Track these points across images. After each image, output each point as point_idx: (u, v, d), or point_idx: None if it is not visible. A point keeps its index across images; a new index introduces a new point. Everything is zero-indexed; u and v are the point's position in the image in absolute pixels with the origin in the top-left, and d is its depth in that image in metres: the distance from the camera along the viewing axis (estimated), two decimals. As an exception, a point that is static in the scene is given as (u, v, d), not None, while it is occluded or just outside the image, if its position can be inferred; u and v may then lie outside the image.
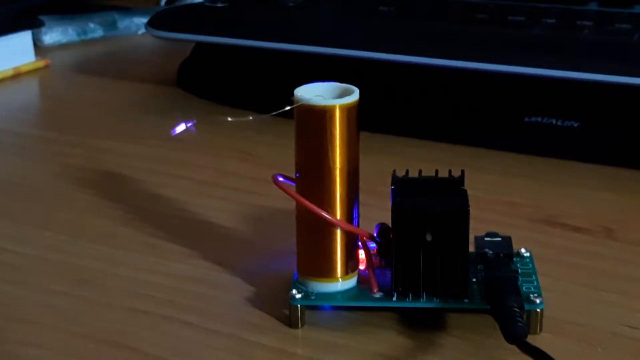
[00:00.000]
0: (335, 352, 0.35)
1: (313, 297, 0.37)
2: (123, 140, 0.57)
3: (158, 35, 0.63)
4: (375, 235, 0.37)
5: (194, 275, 0.40)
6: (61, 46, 0.79)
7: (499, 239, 0.38)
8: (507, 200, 0.47)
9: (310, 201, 0.36)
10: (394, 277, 0.36)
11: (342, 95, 0.36)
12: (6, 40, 0.70)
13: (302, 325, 0.36)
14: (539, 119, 0.53)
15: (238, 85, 0.62)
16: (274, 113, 0.36)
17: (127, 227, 0.45)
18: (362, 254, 0.37)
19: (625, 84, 0.49)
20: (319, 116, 0.35)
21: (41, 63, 0.73)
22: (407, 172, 0.38)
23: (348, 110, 0.36)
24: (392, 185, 0.36)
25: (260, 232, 0.44)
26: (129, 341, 0.36)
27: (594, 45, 0.52)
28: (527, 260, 0.38)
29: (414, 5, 0.60)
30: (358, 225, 0.37)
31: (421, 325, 0.36)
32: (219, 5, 0.62)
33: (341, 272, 0.37)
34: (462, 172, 0.37)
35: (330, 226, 0.36)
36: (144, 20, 0.75)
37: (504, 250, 0.37)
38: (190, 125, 0.39)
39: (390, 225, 0.36)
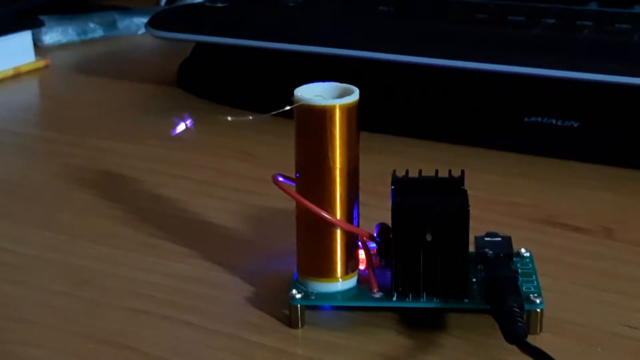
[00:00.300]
0: (335, 352, 0.35)
1: (313, 297, 0.37)
2: (123, 140, 0.57)
3: (158, 35, 0.63)
4: (375, 235, 0.37)
5: (194, 275, 0.40)
6: (61, 46, 0.79)
7: (499, 239, 0.38)
8: (507, 200, 0.47)
9: (310, 201, 0.36)
10: (394, 277, 0.36)
11: (342, 95, 0.36)
12: (6, 40, 0.70)
13: (302, 325, 0.36)
14: (539, 119, 0.53)
15: (238, 85, 0.62)
16: (274, 113, 0.36)
17: (127, 227, 0.45)
18: (362, 254, 0.37)
19: (625, 84, 0.49)
20: (319, 116, 0.35)
21: (41, 63, 0.73)
22: (407, 172, 0.38)
23: (348, 110, 0.36)
24: (392, 185, 0.36)
25: (260, 232, 0.44)
26: (129, 341, 0.36)
27: (594, 45, 0.52)
28: (527, 260, 0.38)
29: (414, 5, 0.60)
30: (358, 225, 0.37)
31: (421, 325, 0.36)
32: (219, 5, 0.62)
33: (341, 272, 0.37)
34: (462, 172, 0.37)
35: (330, 226, 0.36)
36: (144, 20, 0.75)
37: (504, 250, 0.37)
38: (190, 124, 0.39)
39: (390, 225, 0.36)
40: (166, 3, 0.87)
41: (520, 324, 0.33)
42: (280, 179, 0.37)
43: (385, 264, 0.38)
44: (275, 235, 0.43)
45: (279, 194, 0.37)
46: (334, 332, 0.36)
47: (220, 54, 0.63)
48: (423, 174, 0.37)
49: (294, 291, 0.36)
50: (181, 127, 0.39)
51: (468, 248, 0.35)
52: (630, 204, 0.47)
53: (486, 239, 0.38)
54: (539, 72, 0.50)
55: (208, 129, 0.56)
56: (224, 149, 0.55)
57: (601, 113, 0.52)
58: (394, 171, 0.37)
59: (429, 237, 0.35)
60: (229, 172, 0.51)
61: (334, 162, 0.36)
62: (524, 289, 0.36)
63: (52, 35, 0.78)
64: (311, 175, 0.36)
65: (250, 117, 0.51)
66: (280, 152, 0.48)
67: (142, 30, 0.80)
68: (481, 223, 0.39)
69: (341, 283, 0.37)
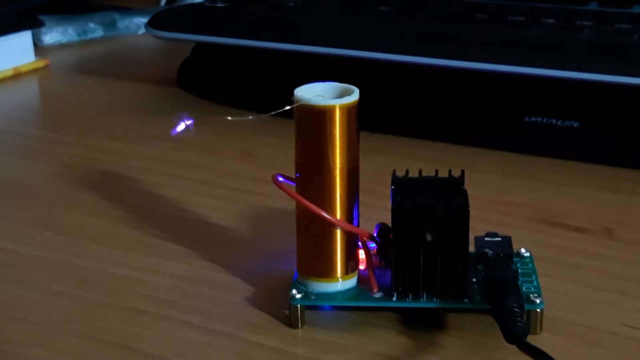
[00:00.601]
0: (335, 352, 0.35)
1: (313, 297, 0.37)
2: (123, 140, 0.57)
3: (158, 35, 0.63)
4: (375, 235, 0.37)
5: (194, 275, 0.40)
6: (61, 46, 0.79)
7: (499, 239, 0.38)
8: (507, 200, 0.47)
9: (310, 201, 0.36)
10: (394, 277, 0.36)
11: (342, 95, 0.36)
12: (6, 40, 0.70)
13: (302, 325, 0.36)
14: (539, 119, 0.53)
15: (238, 85, 0.62)
16: (274, 113, 0.36)
17: (127, 227, 0.45)
18: (362, 254, 0.37)
19: (625, 84, 0.49)
20: (319, 116, 0.35)
21: (41, 63, 0.73)
22: (407, 172, 0.38)
23: (348, 110, 0.36)
24: (392, 185, 0.36)
25: (260, 232, 0.44)
26: (129, 341, 0.36)
27: (594, 45, 0.52)
28: (527, 260, 0.38)
29: (414, 5, 0.60)
30: (358, 225, 0.37)
31: (421, 325, 0.36)
32: (219, 5, 0.62)
33: (341, 272, 0.37)
34: (462, 172, 0.37)
35: (330, 226, 0.36)
36: (144, 20, 0.75)
37: (504, 250, 0.37)
38: (191, 125, 0.39)
39: (390, 225, 0.36)
40: (166, 3, 0.87)
41: (520, 323, 0.33)
42: (280, 179, 0.37)
43: (385, 264, 0.38)
44: (275, 235, 0.43)
45: (279, 194, 0.37)
46: (334, 332, 0.36)
47: (220, 54, 0.63)
48: (423, 174, 0.37)
49: (294, 291, 0.36)
50: (181, 127, 0.39)
51: (468, 248, 0.35)
52: (630, 204, 0.47)
53: (486, 239, 0.38)
54: (539, 72, 0.50)
55: (208, 129, 0.56)
56: (224, 149, 0.55)
57: (601, 113, 0.52)
58: (394, 171, 0.37)
59: (429, 237, 0.35)
60: (229, 172, 0.51)
61: (334, 162, 0.36)
62: (524, 289, 0.36)
63: (52, 35, 0.78)
64: (311, 175, 0.36)
65: (250, 117, 0.51)
66: (280, 152, 0.48)
67: (142, 30, 0.80)
68: (481, 223, 0.39)
69: (341, 283, 0.37)
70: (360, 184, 0.37)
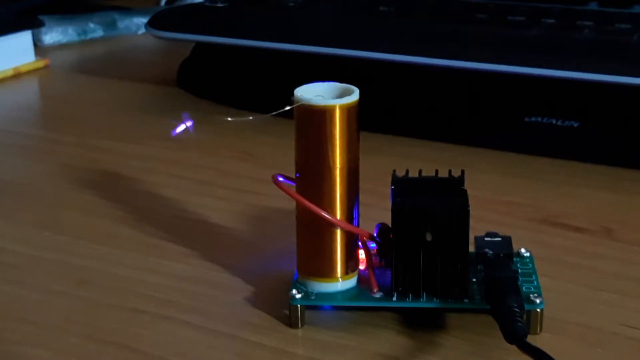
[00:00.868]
0: (335, 352, 0.35)
1: (313, 297, 0.37)
2: (123, 140, 0.57)
3: (158, 35, 0.63)
4: (375, 235, 0.37)
5: (194, 275, 0.40)
6: (61, 46, 0.79)
7: (499, 239, 0.38)
8: (507, 200, 0.47)
9: (310, 201, 0.36)
10: (394, 277, 0.36)
11: (342, 95, 0.36)
12: (6, 40, 0.70)
13: (302, 325, 0.36)
14: (539, 119, 0.53)
15: (238, 85, 0.62)
16: (274, 113, 0.36)
17: (127, 227, 0.45)
18: (362, 254, 0.37)
19: (625, 84, 0.49)
20: (319, 116, 0.35)
21: (41, 63, 0.73)
22: (407, 172, 0.38)
23: (348, 110, 0.36)
24: (392, 185, 0.36)
25: (260, 232, 0.44)
26: (129, 341, 0.36)
27: (594, 45, 0.52)
28: (527, 260, 0.38)
29: (414, 5, 0.60)
30: (358, 225, 0.37)
31: (421, 325, 0.36)
32: (219, 5, 0.62)
33: (341, 272, 0.37)
34: (462, 172, 0.37)
35: (330, 226, 0.36)
36: (144, 20, 0.75)
37: (504, 250, 0.37)
38: (191, 126, 0.39)
39: (390, 225, 0.36)
40: (166, 3, 0.87)
41: (520, 323, 0.33)
42: (280, 179, 0.37)
43: (385, 264, 0.38)
44: (275, 235, 0.43)
45: (279, 194, 0.37)
46: (334, 332, 0.36)
47: (220, 54, 0.63)
48: (423, 174, 0.37)
49: (294, 291, 0.36)
50: (181, 128, 0.39)
51: (468, 248, 0.35)
52: (630, 204, 0.47)
53: (486, 239, 0.38)
54: (539, 72, 0.50)
55: (208, 129, 0.56)
56: (224, 149, 0.55)
57: (601, 113, 0.52)
58: (394, 171, 0.37)
59: (429, 237, 0.35)
60: (229, 172, 0.51)
61: (334, 162, 0.36)
62: (524, 289, 0.36)
63: (52, 35, 0.78)
64: (311, 175, 0.36)
65: (250, 117, 0.51)
66: (280, 152, 0.48)
67: (142, 30, 0.80)
68: (481, 223, 0.39)
69: (341, 283, 0.37)
70: (360, 184, 0.37)
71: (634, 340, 0.35)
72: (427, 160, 0.49)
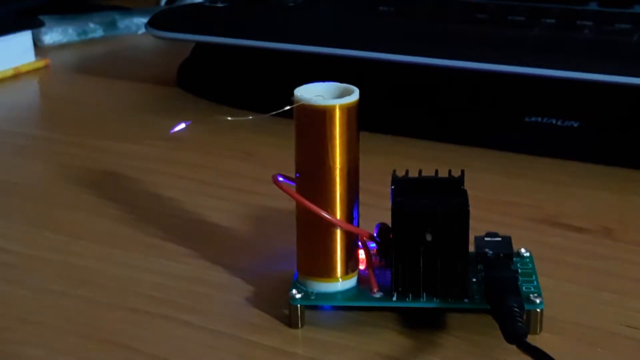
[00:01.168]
0: (335, 352, 0.35)
1: (313, 297, 0.37)
2: (123, 140, 0.57)
3: (158, 35, 0.63)
4: (375, 235, 0.37)
5: (194, 275, 0.40)
6: (61, 46, 0.79)
7: (499, 239, 0.38)
8: (507, 200, 0.47)
9: (310, 201, 0.36)
10: (394, 277, 0.36)
11: (342, 95, 0.36)
12: (6, 40, 0.70)
13: (302, 325, 0.36)
14: (539, 119, 0.53)
15: (238, 85, 0.62)
16: (274, 113, 0.36)
17: (127, 227, 0.45)
18: (362, 254, 0.37)
19: (625, 84, 0.49)
20: (319, 116, 0.35)
21: (41, 63, 0.73)
22: (407, 172, 0.38)
23: (348, 110, 0.36)
24: (392, 185, 0.36)
25: (260, 232, 0.44)
26: (128, 341, 0.36)
27: (594, 45, 0.52)
28: (527, 260, 0.38)
29: (414, 5, 0.60)
30: (358, 225, 0.37)
31: (421, 325, 0.36)
32: (219, 5, 0.62)
33: (341, 272, 0.37)
34: (462, 172, 0.37)
35: (330, 226, 0.36)
36: (144, 20, 0.75)
37: (504, 250, 0.37)
38: (187, 124, 0.39)
39: (390, 225, 0.36)
40: (166, 3, 0.87)
41: (520, 323, 0.33)
42: (280, 179, 0.37)
43: (385, 264, 0.38)
44: (275, 235, 0.43)
45: (279, 194, 0.37)
46: (334, 332, 0.36)
47: (220, 54, 0.63)
48: (423, 174, 0.37)
49: (294, 291, 0.36)
50: (180, 127, 0.39)
51: (468, 248, 0.35)
52: (630, 204, 0.47)
53: (486, 239, 0.38)
54: (539, 72, 0.50)
55: (208, 129, 0.56)
56: (224, 149, 0.55)
57: (601, 113, 0.52)
58: (394, 171, 0.37)
59: (429, 237, 0.35)
60: (229, 172, 0.51)
61: (334, 162, 0.36)
62: (524, 289, 0.36)
63: (52, 35, 0.78)
64: (311, 175, 0.36)
65: (250, 117, 0.51)
66: (280, 152, 0.48)
67: (142, 30, 0.80)
68: (481, 223, 0.39)
69: (341, 283, 0.37)
70: (360, 184, 0.37)
71: (634, 340, 0.35)
72: (427, 160, 0.49)
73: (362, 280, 0.37)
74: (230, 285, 0.39)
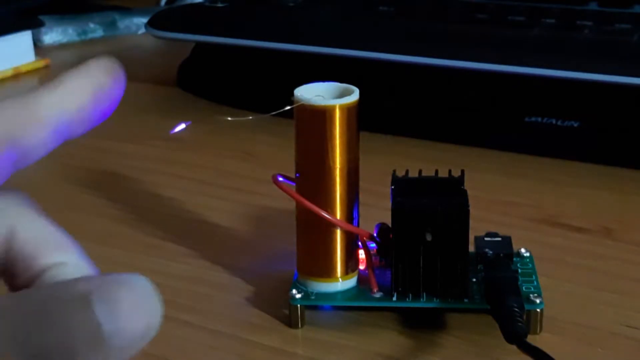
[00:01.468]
0: (335, 352, 0.35)
1: (313, 297, 0.37)
2: (123, 140, 0.57)
3: (158, 35, 0.63)
4: (375, 235, 0.37)
5: (194, 275, 0.40)
6: (61, 46, 0.79)
7: (499, 239, 0.38)
8: (507, 200, 0.47)
9: (310, 201, 0.36)
10: (394, 277, 0.36)
11: (342, 95, 0.36)
12: (6, 40, 0.70)
13: (302, 325, 0.36)
14: (539, 119, 0.53)
15: (238, 85, 0.62)
16: (274, 113, 0.36)
17: (127, 227, 0.45)
18: (362, 254, 0.37)
19: (625, 84, 0.49)
20: (319, 116, 0.35)
21: (41, 63, 0.73)
22: (407, 172, 0.38)
23: (348, 110, 0.36)
24: (392, 185, 0.36)
25: (260, 232, 0.44)
26: (129, 341, 0.36)
27: (594, 45, 0.52)
28: (527, 260, 0.38)
29: (414, 5, 0.60)
30: (358, 225, 0.37)
31: (421, 325, 0.36)
32: (219, 5, 0.62)
33: (341, 272, 0.37)
34: (462, 172, 0.37)
35: (330, 226, 0.36)
36: (144, 20, 0.75)
37: (504, 250, 0.37)
38: (187, 124, 0.39)
39: (390, 225, 0.36)
40: (166, 3, 0.87)
41: (520, 324, 0.33)
42: (280, 179, 0.37)
43: (385, 264, 0.38)
44: (275, 235, 0.43)
45: (279, 194, 0.37)
46: (334, 332, 0.36)
47: (220, 54, 0.63)
48: (423, 174, 0.37)
49: (294, 291, 0.36)
50: (180, 127, 0.39)
51: (468, 248, 0.35)
52: (630, 204, 0.47)
53: (486, 239, 0.38)
54: (539, 72, 0.50)
55: (208, 129, 0.56)
56: (224, 149, 0.55)
57: (601, 113, 0.52)
58: (394, 171, 0.37)
59: (429, 237, 0.35)
60: (229, 172, 0.51)
61: (334, 162, 0.36)
62: (524, 289, 0.36)
63: (52, 35, 0.78)
64: (311, 175, 0.36)
65: (250, 117, 0.51)
66: (280, 152, 0.48)
67: (142, 30, 0.80)
68: (481, 223, 0.39)
69: (341, 283, 0.37)
70: (360, 184, 0.37)
71: (634, 340, 0.35)
72: (427, 160, 0.49)
73: (362, 280, 0.37)
74: (230, 285, 0.40)
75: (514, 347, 0.32)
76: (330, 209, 0.36)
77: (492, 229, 0.39)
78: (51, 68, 0.73)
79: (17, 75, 0.70)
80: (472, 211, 0.35)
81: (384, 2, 0.60)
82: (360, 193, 0.37)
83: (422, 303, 0.36)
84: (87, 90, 0.24)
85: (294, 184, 0.37)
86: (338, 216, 0.36)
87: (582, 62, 0.50)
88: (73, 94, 0.23)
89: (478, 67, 0.52)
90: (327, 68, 0.47)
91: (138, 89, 0.67)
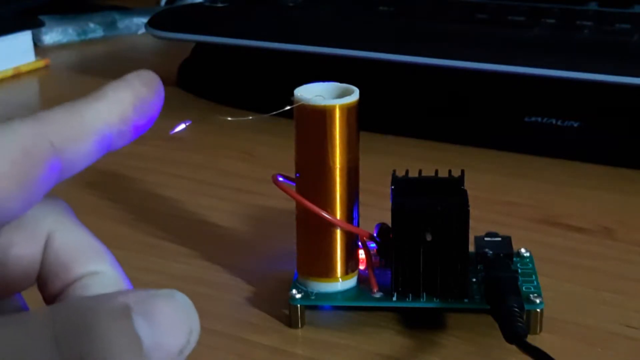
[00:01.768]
0: (335, 352, 0.35)
1: (313, 297, 0.37)
2: (123, 140, 0.57)
3: (158, 35, 0.63)
4: (375, 235, 0.37)
5: (194, 275, 0.40)
6: (61, 46, 0.79)
7: (499, 239, 0.38)
8: (507, 200, 0.47)
9: (310, 201, 0.36)
10: (394, 277, 0.36)
11: (342, 95, 0.36)
12: (6, 40, 0.70)
13: (302, 325, 0.36)
14: (539, 119, 0.53)
15: (238, 85, 0.62)
16: (274, 113, 0.36)
17: (127, 227, 0.45)
18: (362, 254, 0.37)
19: (625, 84, 0.49)
20: (319, 116, 0.35)
21: (41, 63, 0.73)
22: (407, 172, 0.38)
23: (348, 110, 0.36)
24: (392, 185, 0.36)
25: (260, 232, 0.44)
26: (129, 341, 0.36)
27: (594, 45, 0.52)
28: (527, 260, 0.38)
29: (414, 5, 0.60)
30: (358, 225, 0.37)
31: (421, 325, 0.36)
32: (219, 5, 0.62)
33: (341, 272, 0.37)
34: (462, 172, 0.37)
35: (330, 226, 0.36)
36: (144, 20, 0.75)
37: (504, 250, 0.37)
38: (188, 124, 0.39)
39: (390, 225, 0.36)
40: (166, 3, 0.87)
41: (520, 324, 0.33)
42: (280, 179, 0.37)
43: (385, 264, 0.38)
44: (275, 235, 0.43)
45: (279, 194, 0.37)
46: (334, 332, 0.36)
47: (220, 54, 0.63)
48: (423, 174, 0.37)
49: (294, 291, 0.36)
50: (180, 127, 0.39)
51: (468, 248, 0.35)
52: (630, 204, 0.47)
53: (486, 239, 0.38)
54: (539, 72, 0.50)
55: (208, 129, 0.56)
56: (224, 149, 0.55)
57: (601, 113, 0.52)
58: (394, 171, 0.37)
59: (429, 237, 0.35)
60: (229, 172, 0.51)
61: (334, 162, 0.36)
62: (524, 289, 0.36)
63: (52, 35, 0.78)
64: (311, 175, 0.36)
65: (250, 117, 0.51)
66: (280, 152, 0.48)
67: (142, 30, 0.80)
68: (481, 223, 0.39)
69: (341, 283, 0.37)
70: (360, 184, 0.37)
71: (634, 340, 0.35)
72: (427, 160, 0.49)
73: (362, 280, 0.37)
74: (230, 285, 0.40)
75: (514, 347, 0.32)
76: (330, 209, 0.36)
77: (492, 229, 0.39)
78: (51, 68, 0.73)
79: (17, 75, 0.70)
80: (472, 211, 0.35)
81: (384, 2, 0.60)
82: (360, 193, 0.37)
83: (422, 303, 0.36)
84: (129, 102, 0.24)
85: (294, 184, 0.37)
86: (338, 216, 0.36)
87: (582, 62, 0.50)
88: (115, 104, 0.24)
89: (478, 67, 0.52)
90: (327, 68, 0.47)
91: (138, 89, 0.67)
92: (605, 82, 0.49)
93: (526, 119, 0.53)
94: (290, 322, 0.36)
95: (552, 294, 0.37)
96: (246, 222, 0.45)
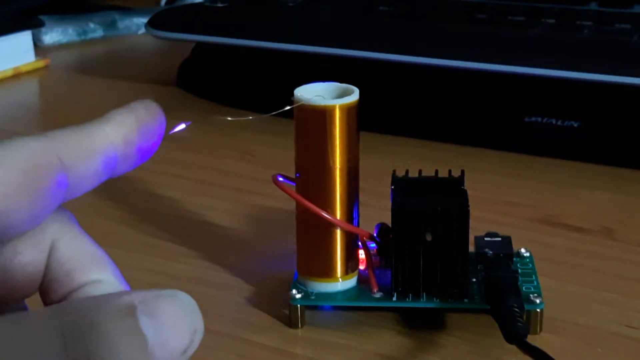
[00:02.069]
0: (335, 352, 0.35)
1: (313, 297, 0.37)
2: (123, 140, 0.57)
3: (158, 35, 0.63)
4: (375, 235, 0.37)
5: (194, 275, 0.40)
6: (61, 46, 0.79)
7: (499, 239, 0.38)
8: (507, 200, 0.47)
9: (310, 201, 0.36)
10: (394, 277, 0.36)
11: (342, 95, 0.36)
12: (6, 40, 0.70)
13: (302, 325, 0.36)
14: (539, 119, 0.53)
15: (238, 85, 0.62)
16: (274, 113, 0.36)
17: (127, 227, 0.45)
18: (362, 254, 0.37)
19: (625, 84, 0.49)
20: (319, 116, 0.35)
21: (41, 63, 0.73)
22: (407, 172, 0.38)
23: (348, 110, 0.36)
24: (392, 185, 0.36)
25: (260, 232, 0.44)
26: (129, 341, 0.36)
27: (594, 45, 0.52)
28: (527, 260, 0.38)
29: (414, 5, 0.60)
30: (358, 225, 0.37)
31: (421, 325, 0.36)
32: (219, 5, 0.62)
33: (341, 272, 0.37)
34: (462, 172, 0.37)
35: (330, 226, 0.36)
36: (144, 20, 0.75)
37: (504, 250, 0.37)
38: (187, 124, 0.39)
39: (390, 225, 0.36)
40: (166, 3, 0.87)
41: (520, 324, 0.33)
42: (280, 179, 0.37)
43: (385, 264, 0.38)
44: (275, 235, 0.43)
45: (279, 194, 0.37)
46: (334, 332, 0.36)
47: (220, 54, 0.63)
48: (423, 174, 0.37)
49: (294, 291, 0.36)
50: (180, 127, 0.39)
51: (468, 248, 0.35)
52: (630, 204, 0.47)
53: (486, 239, 0.38)
54: (539, 72, 0.50)
55: (208, 129, 0.56)
56: (224, 149, 0.55)
57: (601, 113, 0.52)
58: (394, 171, 0.37)
59: (429, 237, 0.35)
60: (229, 172, 0.51)
61: (334, 162, 0.36)
62: (524, 289, 0.36)
63: (52, 35, 0.78)
64: (311, 175, 0.36)
65: (250, 117, 0.51)
66: (280, 152, 0.48)
67: (142, 30, 0.80)
68: (481, 223, 0.39)
69: (341, 283, 0.37)
70: (360, 184, 0.37)
71: (634, 340, 0.35)
72: (427, 160, 0.49)
73: (362, 280, 0.37)
74: (230, 285, 0.40)
75: (514, 347, 0.32)
76: (330, 209, 0.36)
77: (492, 229, 0.39)
78: (51, 68, 0.73)
79: (17, 75, 0.70)
80: (472, 211, 0.35)
81: (384, 2, 0.60)
82: (360, 193, 0.37)
83: (422, 303, 0.36)
84: (133, 126, 0.26)
85: (294, 184, 0.37)
86: (338, 216, 0.36)
87: (582, 62, 0.50)
88: (120, 127, 0.25)
89: (478, 67, 0.52)
90: (327, 68, 0.47)
91: (138, 89, 0.67)
92: (605, 82, 0.49)
93: (526, 119, 0.53)
94: (290, 322, 0.36)
95: (552, 294, 0.37)
96: (246, 222, 0.45)
